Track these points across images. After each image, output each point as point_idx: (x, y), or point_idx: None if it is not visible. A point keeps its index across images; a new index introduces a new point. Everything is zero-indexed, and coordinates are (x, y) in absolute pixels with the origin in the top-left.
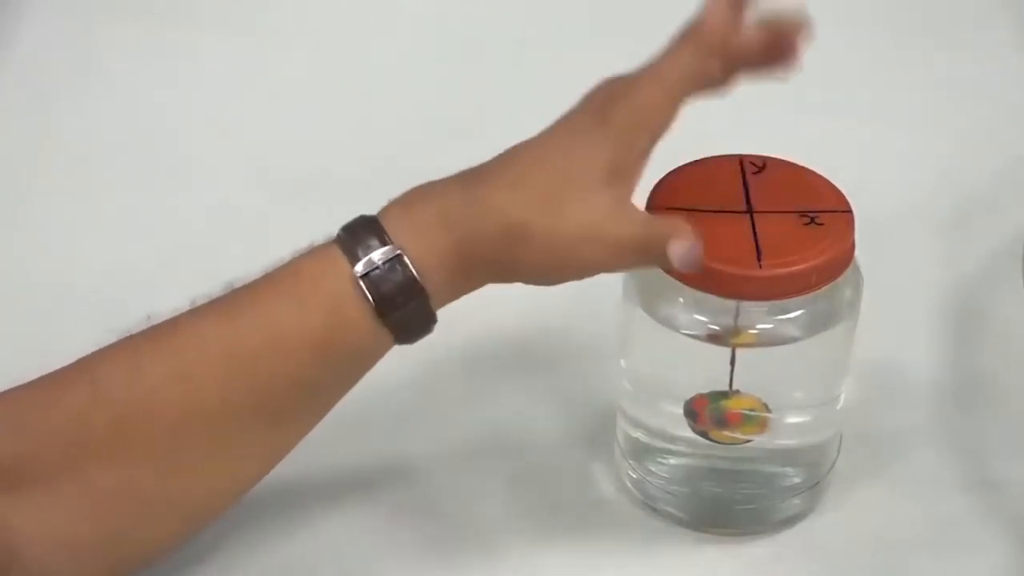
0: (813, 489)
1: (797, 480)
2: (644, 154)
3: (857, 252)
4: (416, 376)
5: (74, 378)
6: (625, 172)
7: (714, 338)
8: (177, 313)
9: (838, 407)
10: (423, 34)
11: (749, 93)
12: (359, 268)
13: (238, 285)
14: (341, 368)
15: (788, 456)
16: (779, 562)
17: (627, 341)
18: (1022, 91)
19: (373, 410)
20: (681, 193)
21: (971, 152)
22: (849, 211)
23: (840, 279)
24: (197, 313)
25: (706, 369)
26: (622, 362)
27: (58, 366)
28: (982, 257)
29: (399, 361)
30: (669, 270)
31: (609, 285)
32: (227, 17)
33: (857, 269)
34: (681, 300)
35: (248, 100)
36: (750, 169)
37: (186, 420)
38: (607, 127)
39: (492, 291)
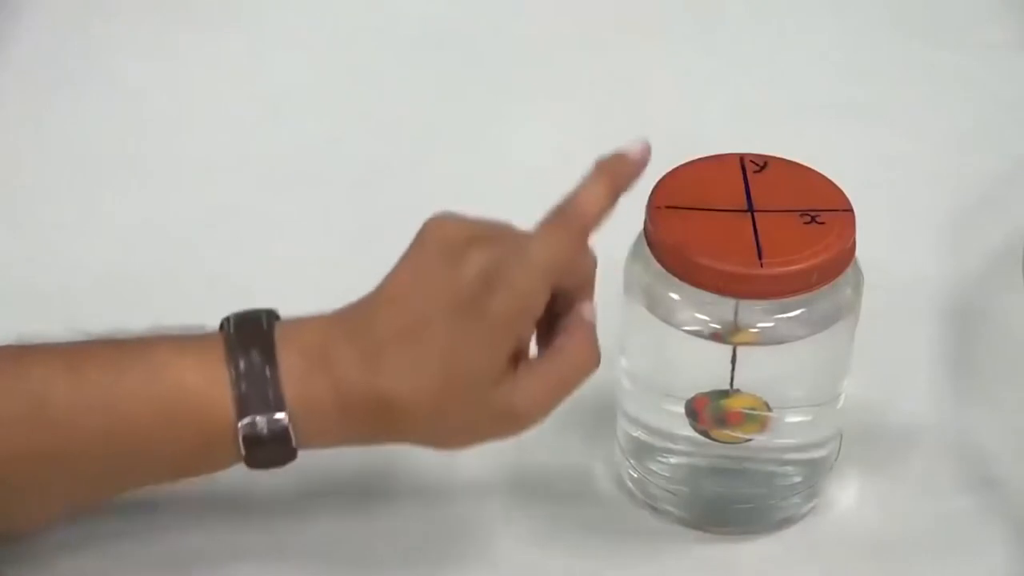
0: (813, 489)
1: (797, 480)
2: (528, 337)
3: (857, 252)
4: None
5: None
6: (512, 359)
7: (715, 337)
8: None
9: (838, 406)
10: (422, 34)
11: (750, 93)
12: (243, 426)
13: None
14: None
15: (788, 455)
16: (779, 562)
17: (628, 339)
18: (1022, 91)
19: None
20: (681, 192)
21: (971, 152)
22: (850, 210)
23: (841, 278)
24: (74, 369)
25: (707, 368)
26: (622, 361)
27: None
28: (982, 257)
29: None
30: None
31: (609, 284)
32: (227, 17)
33: (857, 268)
34: (682, 299)
35: (248, 100)
36: (751, 168)
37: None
38: (489, 322)
39: None
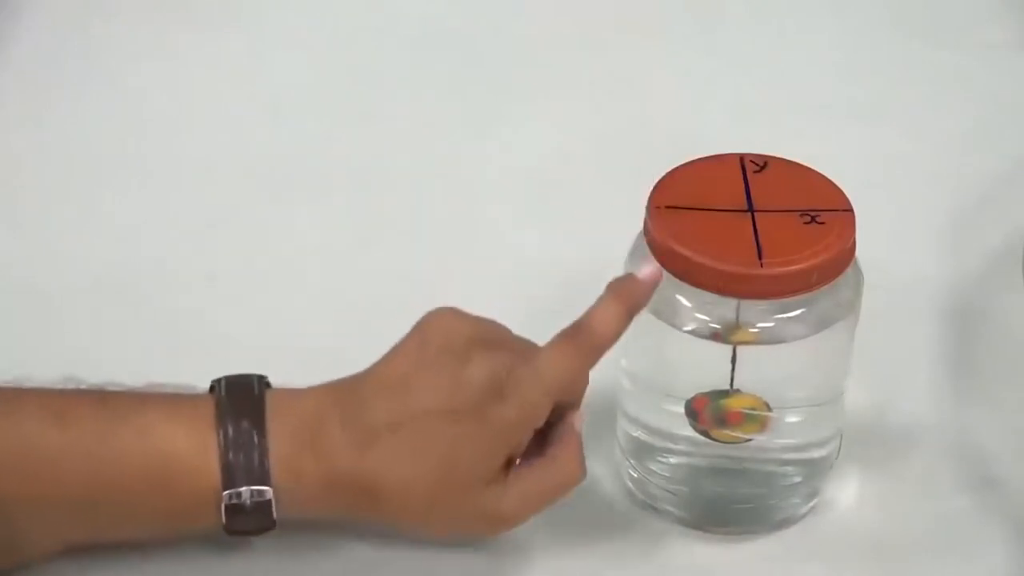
0: (813, 489)
1: (797, 480)
2: (524, 445)
3: (857, 252)
4: None
5: None
6: (507, 464)
7: (715, 337)
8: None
9: (838, 407)
10: (422, 34)
11: (750, 93)
12: (227, 495)
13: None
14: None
15: (788, 456)
16: (779, 562)
17: (628, 340)
18: (1022, 91)
19: None
20: (682, 192)
21: (971, 152)
22: (850, 210)
23: (841, 278)
24: (65, 424)
25: (707, 368)
26: (622, 361)
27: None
28: (982, 257)
29: None
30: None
31: None
32: (227, 17)
33: (858, 268)
34: (682, 298)
35: (248, 100)
36: (751, 168)
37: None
38: (492, 429)
39: (491, 291)
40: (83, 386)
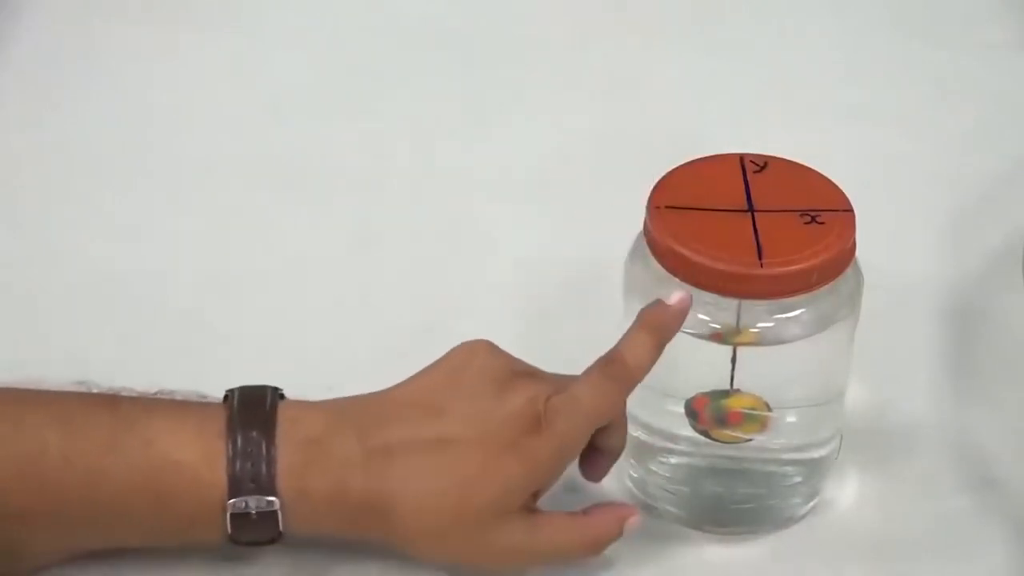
0: (813, 489)
1: (797, 480)
2: (553, 481)
3: (857, 252)
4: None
5: None
6: (539, 495)
7: (715, 337)
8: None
9: (838, 407)
10: (422, 34)
11: (750, 93)
12: (232, 504)
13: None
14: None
15: (788, 456)
16: (779, 562)
17: None
18: (1022, 91)
19: None
20: (681, 192)
21: (971, 152)
22: (850, 210)
23: (841, 278)
24: (70, 431)
25: (707, 368)
26: None
27: (57, 365)
28: (982, 257)
29: (398, 361)
30: (669, 270)
31: (610, 284)
32: (227, 17)
33: (858, 268)
34: None
35: (248, 100)
36: (751, 168)
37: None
38: (526, 461)
39: (491, 291)
40: (95, 390)
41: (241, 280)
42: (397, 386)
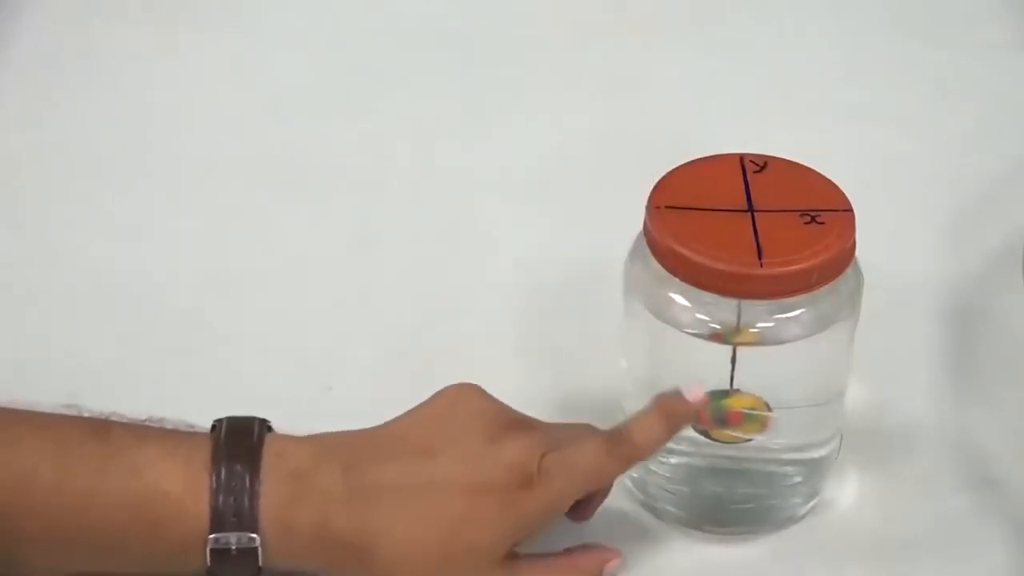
0: (813, 489)
1: (797, 480)
2: (537, 533)
3: (857, 252)
4: (415, 376)
5: None
6: (520, 546)
7: (715, 337)
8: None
9: (838, 407)
10: (422, 34)
11: (750, 93)
12: (213, 539)
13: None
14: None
15: (788, 456)
16: (779, 562)
17: (628, 340)
18: (1022, 91)
19: (372, 411)
20: (681, 192)
21: (971, 152)
22: (850, 210)
23: (840, 278)
24: (61, 458)
25: (707, 368)
26: (623, 362)
27: (56, 365)
28: (982, 257)
29: (398, 362)
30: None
31: (610, 284)
32: (227, 17)
33: (858, 268)
34: (682, 299)
35: (248, 100)
36: (751, 168)
37: None
38: (513, 512)
39: (491, 291)
40: (85, 414)
41: (241, 280)
42: (387, 423)
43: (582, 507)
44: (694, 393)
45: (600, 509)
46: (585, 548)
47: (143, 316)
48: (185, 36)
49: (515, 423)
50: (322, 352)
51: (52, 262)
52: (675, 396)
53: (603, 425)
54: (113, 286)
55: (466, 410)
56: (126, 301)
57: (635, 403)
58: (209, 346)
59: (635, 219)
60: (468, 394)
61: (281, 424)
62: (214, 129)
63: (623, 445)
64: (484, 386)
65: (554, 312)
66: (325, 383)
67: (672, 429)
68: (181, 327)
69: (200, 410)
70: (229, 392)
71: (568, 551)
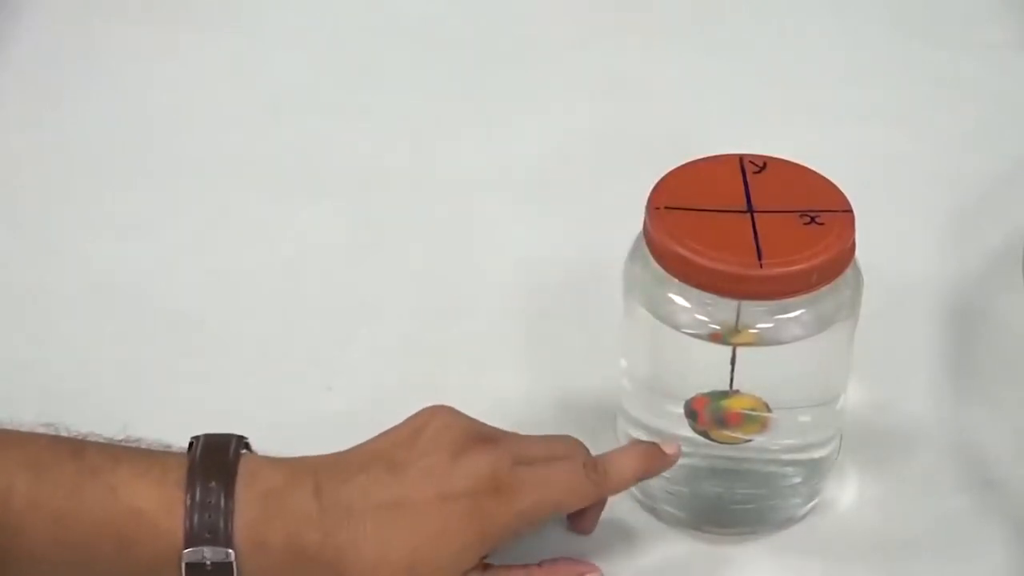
0: (813, 489)
1: (797, 480)
2: (505, 542)
3: (857, 252)
4: (414, 376)
5: None
6: (491, 557)
7: (714, 337)
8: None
9: (838, 407)
10: (422, 34)
11: (750, 93)
12: (187, 554)
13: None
14: None
15: (788, 456)
16: (779, 562)
17: (628, 340)
18: (1022, 91)
19: (372, 410)
20: (681, 192)
21: (971, 152)
22: (850, 211)
23: (840, 279)
24: (38, 478)
25: (706, 368)
26: (623, 362)
27: (56, 365)
28: (982, 257)
29: (398, 362)
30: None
31: (610, 284)
32: (227, 17)
33: (857, 269)
34: (682, 299)
35: (248, 100)
36: (751, 168)
37: None
38: (481, 521)
39: (491, 291)
40: (64, 433)
41: (241, 280)
42: (360, 445)
43: (581, 519)
44: (671, 449)
45: None
46: (562, 560)
47: (143, 315)
48: (185, 36)
49: (483, 436)
50: (322, 352)
51: (52, 262)
52: (653, 447)
53: (602, 426)
54: (113, 286)
55: (435, 427)
56: (126, 301)
57: (635, 403)
58: (209, 346)
59: (635, 219)
60: (438, 413)
61: (281, 424)
62: (214, 129)
63: (597, 472)
64: (484, 386)
65: (554, 312)
66: (325, 383)
67: (642, 474)
68: (181, 327)
69: (200, 410)
70: (229, 392)
71: (543, 563)
